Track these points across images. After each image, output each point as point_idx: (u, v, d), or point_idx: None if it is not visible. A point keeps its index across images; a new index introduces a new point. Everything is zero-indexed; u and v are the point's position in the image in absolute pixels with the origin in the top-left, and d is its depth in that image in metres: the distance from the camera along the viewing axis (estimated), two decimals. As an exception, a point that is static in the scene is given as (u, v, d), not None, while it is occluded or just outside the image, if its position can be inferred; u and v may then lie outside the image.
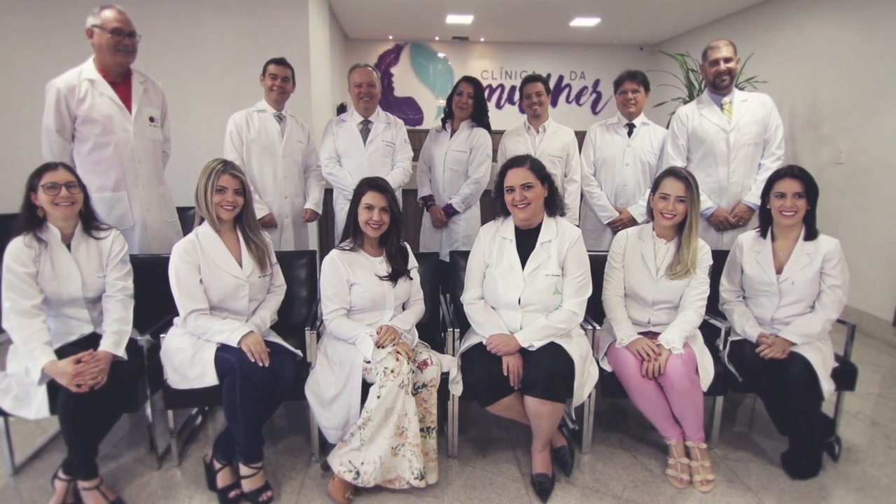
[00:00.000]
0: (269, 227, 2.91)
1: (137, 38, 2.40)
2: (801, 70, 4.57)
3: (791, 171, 2.15)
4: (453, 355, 2.15)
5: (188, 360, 1.93)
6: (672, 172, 2.15)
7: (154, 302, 2.16)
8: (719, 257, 2.35)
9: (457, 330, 2.19)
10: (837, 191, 4.06)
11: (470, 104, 3.02)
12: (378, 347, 1.96)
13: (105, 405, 1.81)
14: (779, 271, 2.19)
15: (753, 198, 2.76)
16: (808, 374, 2.00)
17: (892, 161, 3.71)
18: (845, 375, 2.18)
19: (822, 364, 2.05)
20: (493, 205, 2.21)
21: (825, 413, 2.18)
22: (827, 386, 2.02)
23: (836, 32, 4.25)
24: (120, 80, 2.43)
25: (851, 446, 2.31)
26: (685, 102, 4.81)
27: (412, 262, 2.24)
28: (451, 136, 3.10)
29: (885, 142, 3.76)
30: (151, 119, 2.52)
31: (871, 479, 2.10)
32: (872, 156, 3.86)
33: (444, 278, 2.60)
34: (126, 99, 2.43)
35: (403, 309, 2.22)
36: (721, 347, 2.26)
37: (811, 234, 2.17)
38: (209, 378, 1.89)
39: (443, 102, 8.31)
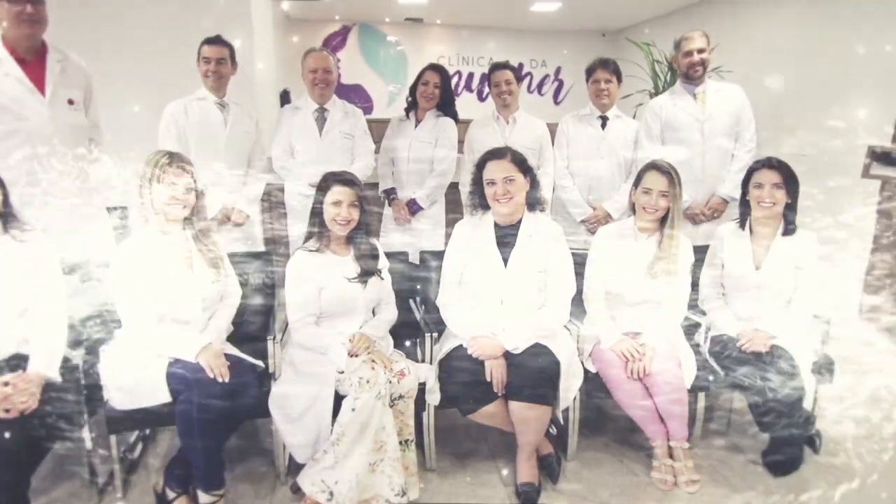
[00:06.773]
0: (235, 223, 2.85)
1: (43, 4, 2.24)
2: (765, 61, 4.86)
3: (769, 162, 2.30)
4: (430, 363, 2.16)
5: (135, 376, 1.85)
6: (655, 166, 2.24)
7: (85, 313, 2.05)
8: (696, 251, 2.46)
9: (434, 334, 2.20)
10: (800, 182, 4.36)
11: (436, 94, 3.03)
12: (351, 356, 1.95)
13: (37, 433, 1.69)
14: (757, 267, 2.33)
15: (728, 189, 2.92)
16: (791, 366, 2.14)
17: (854, 152, 4.01)
18: (823, 368, 2.34)
19: (804, 357, 2.20)
20: (471, 198, 2.22)
21: (805, 407, 2.34)
22: (809, 379, 2.17)
23: (801, 23, 4.56)
24: (32, 58, 2.28)
25: (830, 438, 2.47)
26: (651, 95, 5.03)
27: (382, 261, 2.23)
28: (416, 126, 3.11)
29: (848, 134, 4.06)
30: (71, 101, 2.37)
31: (850, 470, 2.27)
32: (835, 147, 4.15)
33: (415, 280, 2.59)
34: (39, 80, 2.28)
35: (374, 314, 2.21)
36: (702, 342, 2.38)
37: (790, 230, 2.31)
38: (161, 395, 1.82)
39: (394, 90, 8.29)
